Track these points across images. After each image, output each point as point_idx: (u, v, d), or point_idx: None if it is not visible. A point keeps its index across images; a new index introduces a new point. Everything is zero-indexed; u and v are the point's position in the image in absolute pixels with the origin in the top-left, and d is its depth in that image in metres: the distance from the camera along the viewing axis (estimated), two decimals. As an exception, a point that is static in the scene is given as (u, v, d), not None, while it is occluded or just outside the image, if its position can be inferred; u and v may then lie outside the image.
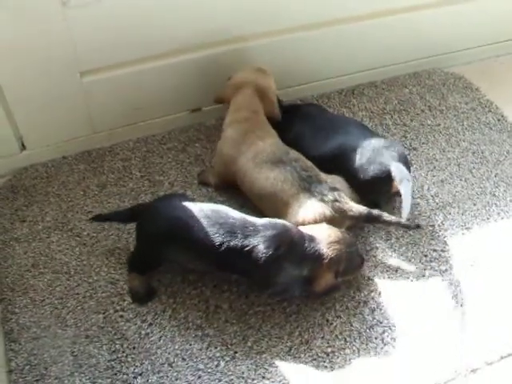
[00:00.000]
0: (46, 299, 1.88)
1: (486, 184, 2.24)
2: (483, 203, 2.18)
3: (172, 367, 1.75)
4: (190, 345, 1.79)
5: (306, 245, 1.75)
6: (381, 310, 1.88)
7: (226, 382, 1.72)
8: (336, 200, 1.86)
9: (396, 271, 1.97)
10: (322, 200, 1.86)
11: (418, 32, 2.58)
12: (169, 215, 1.82)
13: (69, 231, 2.06)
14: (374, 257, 2.00)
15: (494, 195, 2.20)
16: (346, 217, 1.87)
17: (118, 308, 1.87)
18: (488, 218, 2.13)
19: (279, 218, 1.83)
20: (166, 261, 1.90)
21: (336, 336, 1.82)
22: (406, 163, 2.02)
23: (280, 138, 2.08)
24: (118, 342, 1.79)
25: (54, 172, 2.24)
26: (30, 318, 1.84)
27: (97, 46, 2.07)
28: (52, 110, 2.16)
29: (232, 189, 2.09)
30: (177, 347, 1.79)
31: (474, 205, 2.17)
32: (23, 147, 2.24)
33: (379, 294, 1.92)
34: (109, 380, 1.72)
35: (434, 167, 2.28)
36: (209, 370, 1.74)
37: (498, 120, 2.49)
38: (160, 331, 1.82)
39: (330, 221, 1.84)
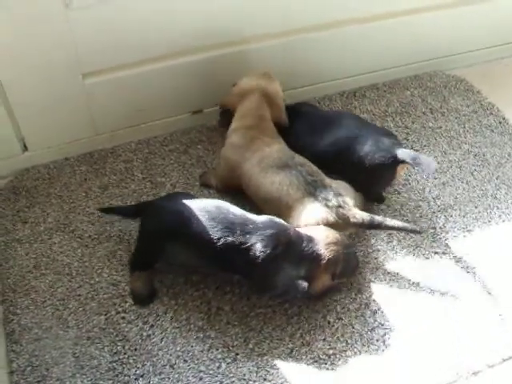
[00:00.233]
0: (48, 300, 1.88)
1: (488, 186, 2.24)
2: (484, 206, 2.18)
3: (173, 369, 1.75)
4: (192, 346, 1.79)
5: (304, 245, 1.75)
6: (382, 312, 1.88)
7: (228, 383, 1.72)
8: (340, 206, 1.86)
9: (397, 273, 1.97)
10: (326, 205, 1.86)
11: (419, 35, 2.58)
12: (171, 210, 1.83)
13: (70, 232, 2.06)
14: (376, 259, 2.00)
15: (496, 198, 2.21)
16: (349, 223, 1.87)
17: (120, 309, 1.87)
18: (489, 221, 2.14)
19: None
20: (167, 257, 1.88)
21: (337, 338, 1.82)
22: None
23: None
24: (119, 344, 1.79)
25: (56, 173, 2.24)
26: (31, 319, 1.84)
27: (99, 48, 2.07)
28: (54, 111, 2.16)
29: (234, 191, 2.09)
30: (178, 349, 1.79)
31: (476, 207, 2.17)
32: (25, 148, 2.25)
33: (381, 296, 1.92)
34: (110, 381, 1.72)
35: (436, 170, 2.28)
36: (210, 372, 1.74)
37: (500, 123, 2.50)
38: (162, 333, 1.82)
39: (333, 226, 1.84)
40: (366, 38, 2.48)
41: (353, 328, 1.84)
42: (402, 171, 2.09)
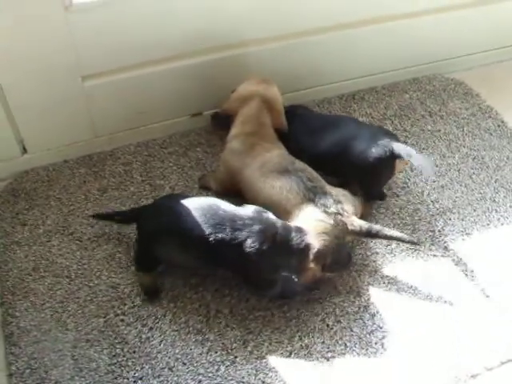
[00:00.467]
0: (47, 303, 1.88)
1: (486, 190, 2.25)
2: (483, 209, 2.18)
3: (172, 371, 1.75)
4: (191, 349, 1.79)
5: (293, 236, 1.75)
6: (381, 315, 1.88)
7: (227, 386, 1.73)
8: (339, 213, 1.86)
9: (396, 277, 1.97)
10: (325, 212, 1.86)
11: (418, 38, 2.59)
12: (163, 209, 1.85)
13: (70, 235, 2.06)
14: (375, 262, 2.00)
15: (494, 201, 2.21)
16: (347, 231, 1.88)
17: (119, 312, 1.87)
18: (488, 224, 2.14)
19: None
20: (163, 257, 1.89)
21: (336, 341, 1.82)
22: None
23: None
24: (118, 346, 1.79)
25: (55, 176, 2.24)
26: (30, 321, 1.84)
27: (98, 51, 2.07)
28: (53, 113, 2.16)
29: (233, 194, 2.09)
30: (177, 351, 1.79)
31: (474, 210, 2.18)
32: (24, 151, 2.25)
33: (379, 299, 1.92)
34: (109, 384, 1.72)
35: (434, 173, 2.29)
36: (209, 375, 1.74)
37: (498, 126, 2.50)
38: (160, 335, 1.82)
39: (331, 233, 1.84)
40: (365, 41, 2.48)
41: (351, 331, 1.84)
42: (400, 166, 2.10)
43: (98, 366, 1.75)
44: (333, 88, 2.58)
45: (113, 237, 2.05)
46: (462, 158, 2.36)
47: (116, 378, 1.73)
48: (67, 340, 1.81)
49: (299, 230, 1.76)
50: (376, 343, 1.82)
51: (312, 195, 1.89)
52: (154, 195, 2.17)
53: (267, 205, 1.90)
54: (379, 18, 2.43)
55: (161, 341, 1.81)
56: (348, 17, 2.37)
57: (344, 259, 1.87)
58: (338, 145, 2.07)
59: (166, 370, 1.75)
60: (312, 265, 1.76)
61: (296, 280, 1.75)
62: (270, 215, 1.81)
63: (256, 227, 1.74)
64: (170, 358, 1.77)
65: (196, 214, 1.77)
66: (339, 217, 1.86)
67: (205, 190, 2.19)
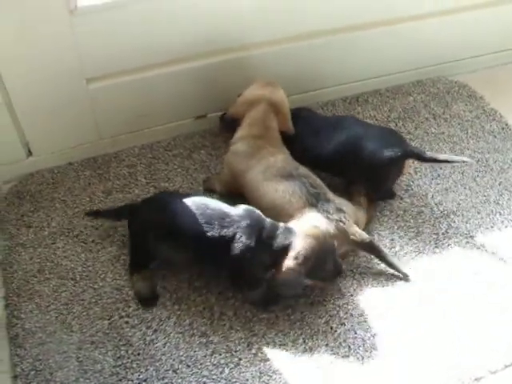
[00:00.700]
0: (52, 305, 1.89)
1: (490, 192, 2.25)
2: (487, 211, 2.18)
3: (176, 374, 1.75)
4: (195, 351, 1.80)
5: (279, 232, 1.76)
6: (385, 317, 1.88)
7: (231, 388, 1.73)
8: (341, 221, 1.87)
9: (400, 279, 1.97)
10: (327, 218, 1.87)
11: (422, 40, 2.59)
12: (154, 206, 1.90)
13: (74, 237, 2.06)
14: (379, 264, 2.00)
15: (498, 204, 2.21)
16: (348, 240, 1.89)
17: (123, 314, 1.87)
18: (492, 227, 2.14)
19: None
20: (152, 252, 1.91)
21: (340, 343, 1.82)
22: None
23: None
24: (122, 348, 1.80)
25: (60, 178, 2.25)
26: (35, 323, 1.85)
27: (103, 54, 2.09)
28: (58, 116, 2.17)
29: (237, 196, 2.10)
30: (181, 354, 1.79)
31: (478, 213, 2.18)
32: (29, 153, 2.26)
33: (383, 301, 1.92)
34: (114, 386, 1.73)
35: (438, 175, 2.29)
36: (213, 377, 1.75)
37: (502, 128, 2.50)
38: (165, 338, 1.82)
39: (331, 239, 1.85)
40: (369, 44, 2.49)
41: (355, 333, 1.85)
42: (408, 167, 2.14)
43: (102, 368, 1.76)
44: (337, 90, 2.58)
45: (117, 239, 2.06)
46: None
47: (120, 380, 1.73)
48: (72, 342, 1.81)
49: (287, 229, 1.77)
50: (380, 346, 1.82)
51: (314, 201, 1.90)
52: (158, 197, 2.18)
53: (270, 208, 1.91)
54: (383, 20, 2.44)
55: (165, 343, 1.81)
56: (352, 19, 2.38)
57: (331, 268, 1.80)
58: (346, 145, 2.08)
59: (170, 372, 1.76)
60: (290, 264, 1.72)
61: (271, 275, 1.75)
62: (260, 214, 1.83)
63: (244, 223, 1.76)
64: (174, 360, 1.78)
65: (185, 210, 1.80)
66: (341, 225, 1.87)
67: (209, 192, 2.19)
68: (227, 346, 1.81)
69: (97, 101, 2.19)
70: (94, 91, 2.16)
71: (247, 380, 1.74)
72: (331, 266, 1.80)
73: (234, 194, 2.10)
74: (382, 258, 1.96)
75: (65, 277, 1.96)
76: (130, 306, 1.89)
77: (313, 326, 1.86)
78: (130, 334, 1.83)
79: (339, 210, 1.90)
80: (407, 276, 1.97)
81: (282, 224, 1.80)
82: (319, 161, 2.11)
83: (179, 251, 1.86)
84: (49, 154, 2.27)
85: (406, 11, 2.45)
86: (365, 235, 1.92)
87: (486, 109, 2.58)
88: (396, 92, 2.64)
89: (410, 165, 2.25)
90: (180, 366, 1.77)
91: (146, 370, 1.76)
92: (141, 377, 1.74)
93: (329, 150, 2.10)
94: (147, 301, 1.90)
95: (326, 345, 1.82)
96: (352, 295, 1.93)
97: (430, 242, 2.08)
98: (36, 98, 2.09)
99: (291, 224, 1.81)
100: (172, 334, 1.83)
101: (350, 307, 1.90)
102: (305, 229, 1.77)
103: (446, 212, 2.18)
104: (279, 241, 1.75)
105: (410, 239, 2.08)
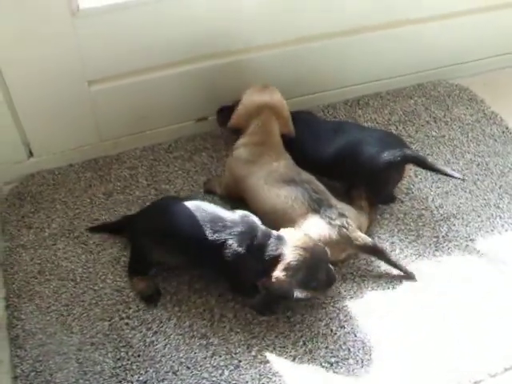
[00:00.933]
0: (52, 306, 1.89)
1: (491, 196, 2.25)
2: (487, 215, 2.19)
3: (176, 375, 1.75)
4: (195, 353, 1.80)
5: (270, 241, 1.75)
6: (385, 320, 1.88)
7: (230, 390, 1.73)
8: (343, 226, 1.87)
9: (400, 282, 1.98)
10: (330, 223, 1.87)
11: (423, 44, 2.59)
12: (150, 212, 1.93)
13: (75, 238, 2.07)
14: (379, 267, 2.01)
15: (498, 207, 2.21)
16: (351, 245, 1.89)
17: (124, 316, 1.88)
18: (492, 230, 2.14)
19: None
20: (155, 258, 1.91)
21: (340, 346, 1.82)
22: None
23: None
24: (123, 350, 1.80)
25: (61, 179, 2.25)
26: (35, 324, 1.85)
27: (105, 56, 2.09)
28: (60, 117, 2.18)
29: (238, 199, 2.10)
30: (181, 355, 1.79)
31: (478, 216, 2.18)
32: (30, 154, 2.26)
33: (383, 304, 1.92)
34: (113, 387, 1.73)
35: (439, 178, 2.29)
36: (213, 379, 1.75)
37: (503, 132, 2.50)
38: (165, 339, 1.83)
39: (334, 245, 1.86)
40: (370, 47, 2.49)
41: (355, 336, 1.85)
42: (408, 171, 2.16)
43: (102, 370, 1.76)
44: (337, 93, 2.58)
45: (118, 240, 2.06)
46: (466, 164, 2.36)
47: (120, 382, 1.74)
48: (72, 343, 1.81)
49: (278, 238, 1.76)
50: (379, 349, 1.82)
51: (317, 206, 1.91)
52: (159, 199, 2.18)
53: (272, 214, 1.91)
54: (384, 24, 2.44)
55: (165, 345, 1.82)
56: (353, 23, 2.38)
57: (323, 278, 1.77)
58: (346, 149, 2.08)
59: (170, 373, 1.76)
60: (279, 274, 1.71)
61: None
62: (255, 219, 1.83)
63: (237, 229, 1.77)
64: (174, 361, 1.78)
65: (181, 214, 1.82)
66: (344, 230, 1.87)
67: (210, 194, 2.20)
68: (227, 348, 1.81)
69: (98, 103, 2.20)
70: (96, 93, 2.16)
71: (247, 382, 1.74)
72: (323, 276, 1.77)
73: (235, 197, 2.10)
74: (387, 259, 1.96)
75: (65, 278, 1.96)
76: (130, 308, 1.89)
77: (313, 328, 1.86)
78: (130, 336, 1.83)
79: (342, 216, 1.91)
80: (413, 276, 1.97)
81: (274, 232, 1.79)
82: (319, 165, 2.11)
83: (175, 255, 1.87)
84: (50, 155, 2.27)
85: (406, 15, 2.45)
86: (368, 239, 1.92)
87: (487, 112, 2.59)
88: (397, 95, 2.64)
89: (411, 168, 2.26)
90: (180, 368, 1.77)
91: (146, 371, 1.76)
92: (141, 378, 1.75)
93: (329, 154, 2.10)
94: (150, 298, 1.90)
95: (326, 347, 1.82)
96: (352, 298, 1.93)
97: (431, 245, 2.08)
98: (38, 99, 2.10)
99: (283, 232, 1.80)
100: (172, 336, 1.83)
101: (350, 310, 1.90)
102: (296, 238, 1.76)
103: (446, 215, 2.18)
104: (270, 250, 1.74)
105: (410, 242, 2.08)
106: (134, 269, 1.95)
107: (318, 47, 2.39)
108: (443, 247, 2.08)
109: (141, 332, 1.84)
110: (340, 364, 1.78)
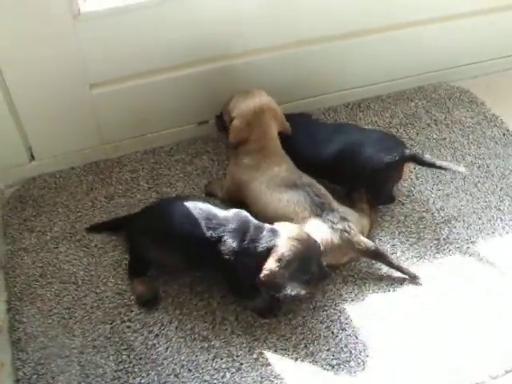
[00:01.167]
0: (54, 309, 1.90)
1: (491, 198, 2.25)
2: (488, 217, 2.19)
3: (178, 378, 1.76)
4: (196, 356, 1.80)
5: (263, 235, 1.75)
6: (386, 322, 1.89)
7: (232, 393, 1.73)
8: (345, 230, 1.88)
9: (401, 284, 1.98)
10: (332, 228, 1.87)
11: (423, 46, 2.59)
12: (149, 210, 1.97)
13: (77, 242, 2.07)
14: (380, 270, 2.01)
15: (499, 209, 2.21)
16: (353, 249, 1.89)
17: (125, 319, 1.88)
18: (493, 232, 2.14)
19: None
20: (153, 258, 1.93)
21: (341, 348, 1.83)
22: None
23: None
24: (124, 353, 1.80)
25: (63, 183, 2.26)
26: (37, 327, 1.86)
27: (106, 59, 2.09)
28: (61, 121, 2.18)
29: (238, 202, 2.10)
30: (183, 358, 1.80)
31: (479, 219, 2.18)
32: (32, 157, 2.26)
33: (384, 306, 1.92)
34: (115, 390, 1.73)
35: (440, 181, 2.30)
36: (214, 382, 1.75)
37: (503, 134, 2.50)
38: (166, 342, 1.83)
39: (336, 249, 1.86)
40: (371, 50, 2.49)
41: (357, 338, 1.85)
42: (406, 171, 2.15)
43: (104, 372, 1.76)
44: (338, 96, 2.59)
45: (119, 244, 2.06)
46: (467, 166, 2.36)
47: (122, 384, 1.74)
48: (74, 346, 1.82)
49: (272, 231, 1.76)
50: (381, 351, 1.82)
51: (319, 211, 1.91)
52: (160, 202, 2.19)
53: (274, 218, 1.91)
54: (384, 26, 2.44)
55: (167, 347, 1.82)
56: (353, 26, 2.38)
57: (316, 271, 1.76)
58: (344, 150, 2.08)
59: (171, 376, 1.76)
60: (272, 266, 1.70)
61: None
62: (248, 216, 1.83)
63: (230, 226, 1.77)
64: (175, 364, 1.78)
65: (178, 214, 1.83)
66: (345, 234, 1.87)
67: (211, 197, 2.20)
68: (229, 350, 1.82)
69: (99, 106, 2.20)
70: (97, 96, 2.17)
71: (248, 384, 1.74)
72: (316, 269, 1.76)
73: (235, 201, 2.10)
74: (389, 263, 1.96)
75: (67, 281, 1.97)
76: (131, 311, 1.89)
77: (314, 330, 1.86)
78: (131, 339, 1.83)
79: (344, 220, 1.91)
80: (417, 277, 1.98)
81: (267, 225, 1.79)
82: (318, 167, 2.11)
83: (172, 253, 1.87)
84: (51, 158, 2.28)
85: (406, 17, 2.45)
86: (370, 243, 1.92)
87: (487, 115, 2.59)
88: (397, 98, 2.64)
89: (411, 170, 2.26)
90: (181, 371, 1.77)
91: (148, 374, 1.76)
92: (142, 381, 1.75)
93: (326, 156, 2.10)
94: (148, 302, 1.90)
95: (328, 350, 1.82)
96: (353, 300, 1.94)
97: (431, 247, 2.09)
98: (39, 102, 2.10)
99: (277, 225, 1.80)
100: (174, 339, 1.84)
101: (351, 312, 1.91)
102: (289, 230, 1.76)
103: (447, 218, 2.18)
104: (263, 243, 1.74)
105: (411, 245, 2.08)
106: (133, 269, 1.96)
107: (318, 50, 2.40)
108: (444, 249, 2.08)
109: (142, 335, 1.84)
110: (341, 366, 1.79)
